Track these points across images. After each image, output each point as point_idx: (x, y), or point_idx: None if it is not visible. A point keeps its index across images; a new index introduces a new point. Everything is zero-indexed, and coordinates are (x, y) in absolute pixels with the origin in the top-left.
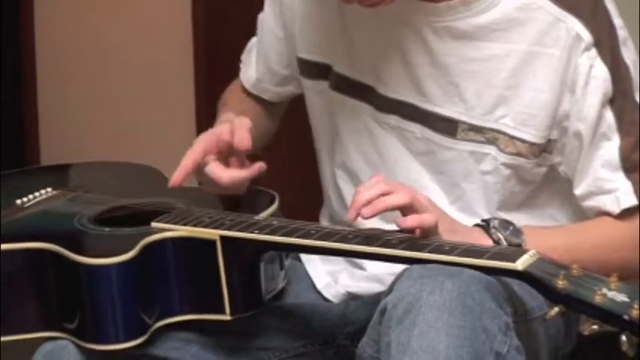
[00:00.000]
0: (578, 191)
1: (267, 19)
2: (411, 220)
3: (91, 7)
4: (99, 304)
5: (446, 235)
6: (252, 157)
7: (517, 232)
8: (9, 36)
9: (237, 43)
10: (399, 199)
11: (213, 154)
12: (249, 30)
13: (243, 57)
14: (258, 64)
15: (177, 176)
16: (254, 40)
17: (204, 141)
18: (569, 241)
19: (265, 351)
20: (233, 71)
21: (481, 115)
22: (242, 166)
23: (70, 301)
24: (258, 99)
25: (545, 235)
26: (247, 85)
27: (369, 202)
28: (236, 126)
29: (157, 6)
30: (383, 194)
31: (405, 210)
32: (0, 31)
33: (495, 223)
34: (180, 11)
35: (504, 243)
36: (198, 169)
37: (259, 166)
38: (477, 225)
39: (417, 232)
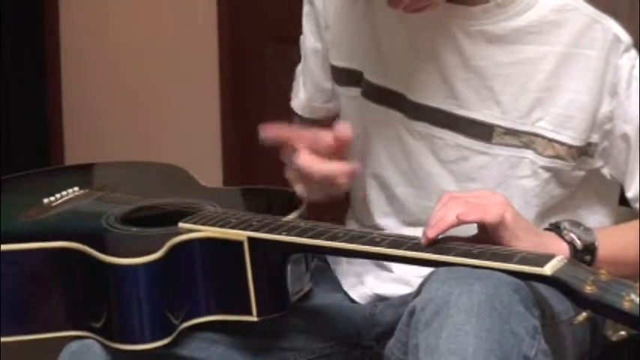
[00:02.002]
0: (630, 194)
1: (306, 36)
2: (471, 214)
3: (115, 9)
4: (125, 303)
5: (521, 233)
6: (276, 163)
7: (588, 230)
8: (34, 38)
9: (261, 46)
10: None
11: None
12: (274, 31)
13: (294, 85)
14: (305, 84)
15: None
16: (299, 67)
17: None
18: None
19: (291, 352)
20: (257, 73)
21: (517, 119)
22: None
23: (97, 300)
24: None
25: (615, 233)
26: (299, 110)
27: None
28: (336, 124)
29: (182, 7)
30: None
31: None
32: (25, 33)
33: (566, 224)
34: (206, 12)
35: (579, 243)
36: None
37: (357, 165)
38: (546, 229)
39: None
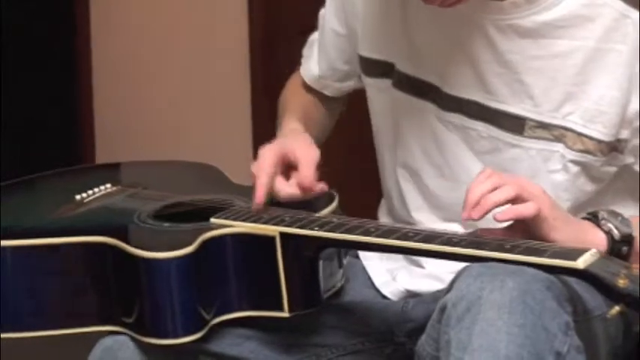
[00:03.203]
0: None
1: (328, 15)
2: (506, 213)
3: (145, 5)
4: (158, 298)
5: (558, 224)
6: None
7: (626, 221)
8: (65, 36)
9: (293, 42)
10: (504, 193)
11: (280, 168)
12: (305, 27)
13: (305, 51)
14: (320, 61)
15: (259, 196)
16: (315, 34)
17: (273, 156)
18: None
19: (323, 348)
20: (289, 69)
21: (549, 112)
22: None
23: (129, 295)
24: (318, 93)
25: None
26: (308, 80)
27: (478, 202)
28: (302, 159)
29: (213, 3)
30: (492, 189)
31: (515, 203)
32: (56, 31)
33: (604, 214)
34: (236, 7)
35: (616, 233)
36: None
37: (321, 187)
38: (584, 218)
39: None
